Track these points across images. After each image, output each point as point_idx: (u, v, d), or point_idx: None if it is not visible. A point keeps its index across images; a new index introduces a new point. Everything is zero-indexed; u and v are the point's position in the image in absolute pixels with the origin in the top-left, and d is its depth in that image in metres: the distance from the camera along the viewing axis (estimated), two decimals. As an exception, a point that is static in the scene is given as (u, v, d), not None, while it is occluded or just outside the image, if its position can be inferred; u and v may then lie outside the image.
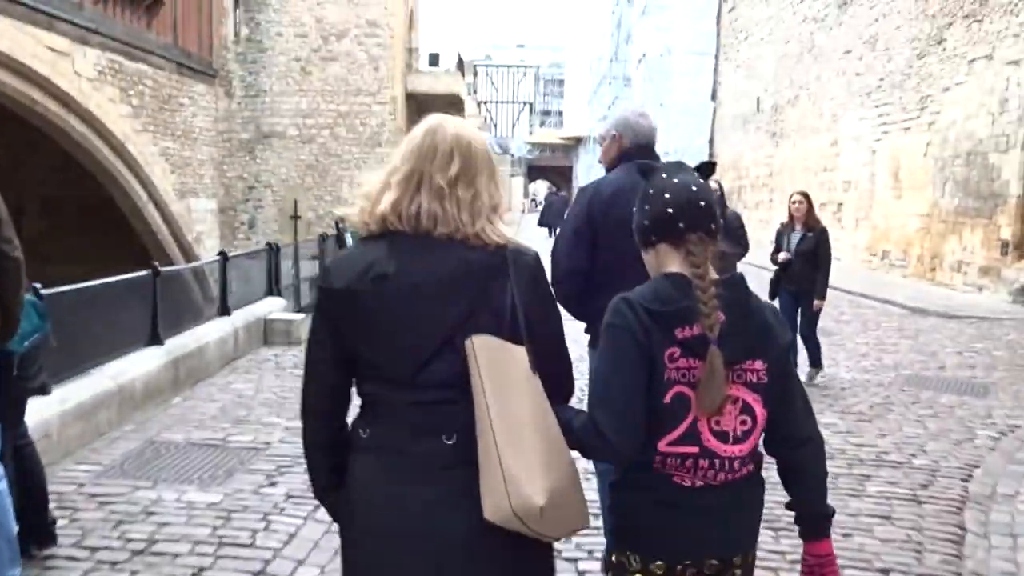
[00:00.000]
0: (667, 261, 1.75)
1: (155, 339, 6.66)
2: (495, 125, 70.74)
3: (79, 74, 15.60)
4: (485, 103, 69.48)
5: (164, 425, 5.73)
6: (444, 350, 1.61)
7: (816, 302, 6.91)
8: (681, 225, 1.73)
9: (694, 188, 1.76)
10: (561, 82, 77.71)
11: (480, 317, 1.61)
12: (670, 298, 1.68)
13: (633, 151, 3.00)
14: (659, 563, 1.72)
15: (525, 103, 76.73)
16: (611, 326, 1.69)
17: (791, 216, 7.12)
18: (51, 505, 4.14)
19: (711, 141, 31.86)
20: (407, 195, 1.65)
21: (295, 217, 22.78)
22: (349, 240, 14.38)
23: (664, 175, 1.79)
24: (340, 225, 14.91)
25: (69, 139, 16.02)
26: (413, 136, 1.71)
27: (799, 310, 6.97)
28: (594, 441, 1.65)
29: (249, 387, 7.02)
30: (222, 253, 8.69)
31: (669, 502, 1.71)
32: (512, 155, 55.58)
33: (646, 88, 37.80)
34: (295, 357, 8.35)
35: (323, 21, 22.32)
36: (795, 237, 7.05)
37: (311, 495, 4.46)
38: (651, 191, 1.79)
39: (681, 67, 36.60)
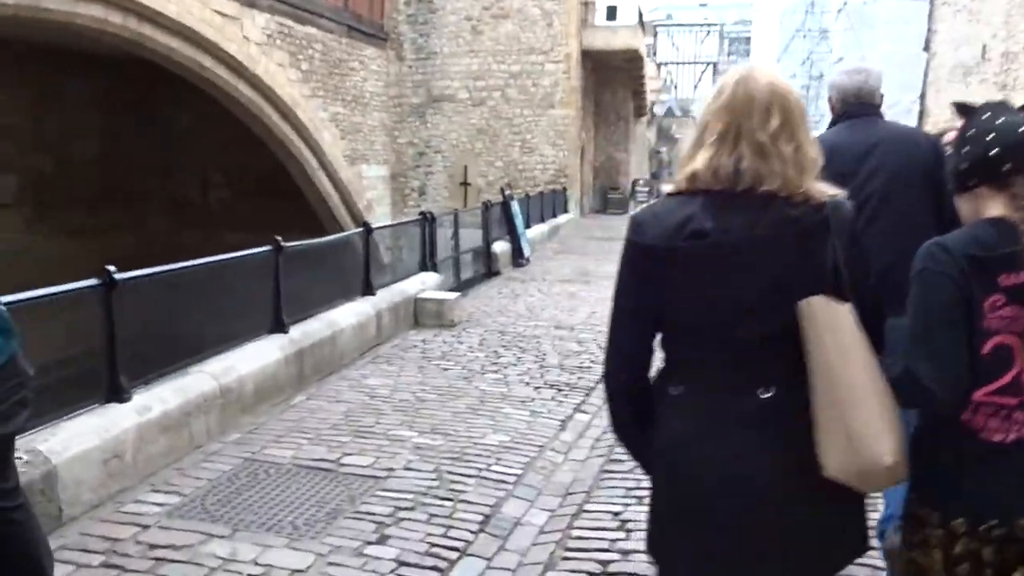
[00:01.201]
0: (988, 205, 1.68)
1: (279, 326, 5.72)
2: (676, 87, 67.61)
3: (248, 38, 15.30)
4: (665, 64, 66.53)
5: (274, 436, 4.73)
6: (762, 307, 1.60)
7: None
8: (1007, 167, 1.65)
9: (1022, 129, 1.66)
10: (747, 39, 73.31)
11: (801, 274, 1.59)
12: (993, 243, 1.62)
13: (840, 111, 2.88)
14: (960, 521, 1.65)
15: (708, 64, 72.95)
16: (925, 271, 1.65)
17: None
18: (97, 560, 3.19)
19: (922, 96, 28.26)
20: (724, 152, 1.61)
21: (465, 184, 22.02)
22: (516, 208, 13.26)
23: (987, 114, 1.71)
24: (506, 192, 13.81)
25: (239, 105, 15.84)
26: (722, 89, 1.65)
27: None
28: (914, 392, 1.60)
29: (386, 383, 5.96)
30: (365, 224, 7.69)
31: (976, 457, 1.64)
32: (694, 119, 52.77)
33: (845, 39, 34.27)
34: (445, 344, 7.26)
35: (495, -24, 21.20)
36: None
37: (427, 563, 3.28)
38: (972, 131, 1.70)
39: (887, 14, 32.80)
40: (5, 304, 2.39)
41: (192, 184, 22.21)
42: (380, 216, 20.43)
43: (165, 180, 21.81)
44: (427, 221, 9.07)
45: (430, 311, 8.06)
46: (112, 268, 3.94)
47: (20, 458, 2.90)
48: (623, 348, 1.77)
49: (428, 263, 9.03)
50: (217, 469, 4.19)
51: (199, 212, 21.82)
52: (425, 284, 8.51)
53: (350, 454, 4.45)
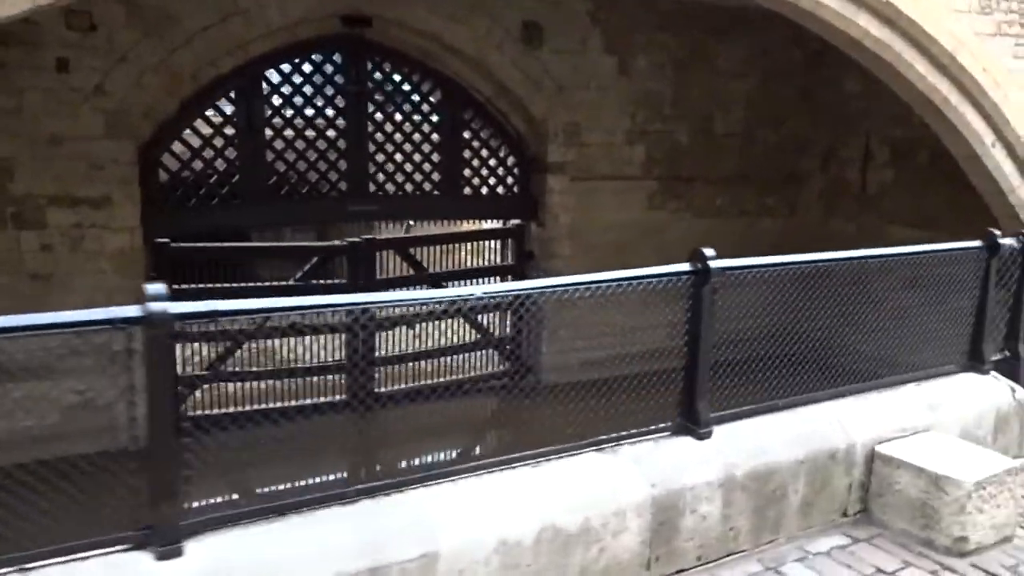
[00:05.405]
0: None
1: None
2: None
3: (880, -48, 10.61)
4: None
5: None
6: None
7: None
8: None
9: None
10: None
11: None
12: None
13: None
14: None
15: None
16: None
17: None
18: None
19: None
20: None
21: None
22: None
23: None
24: None
25: (863, 50, 11.29)
26: None
27: None
28: None
29: None
30: (700, 260, 2.99)
31: None
32: None
33: None
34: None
35: None
36: None
37: None
38: None
39: None
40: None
41: (852, 163, 18.17)
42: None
43: (825, 160, 18.24)
44: (988, 248, 3.76)
45: (906, 497, 3.05)
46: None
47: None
48: None
49: (977, 353, 3.76)
50: None
51: (854, 198, 17.70)
52: (936, 410, 3.41)
53: None
